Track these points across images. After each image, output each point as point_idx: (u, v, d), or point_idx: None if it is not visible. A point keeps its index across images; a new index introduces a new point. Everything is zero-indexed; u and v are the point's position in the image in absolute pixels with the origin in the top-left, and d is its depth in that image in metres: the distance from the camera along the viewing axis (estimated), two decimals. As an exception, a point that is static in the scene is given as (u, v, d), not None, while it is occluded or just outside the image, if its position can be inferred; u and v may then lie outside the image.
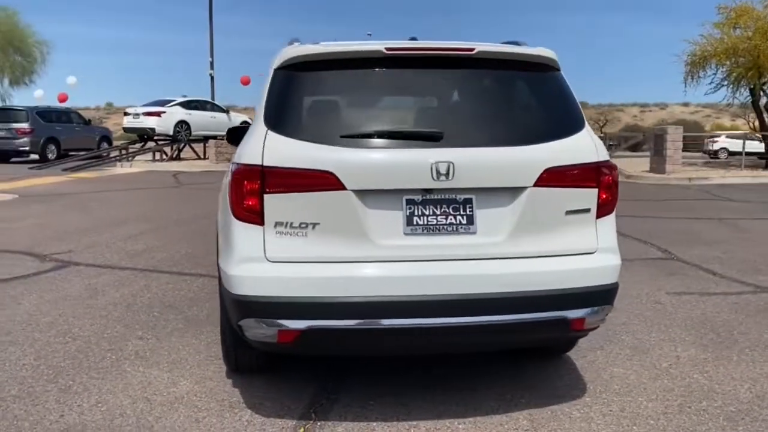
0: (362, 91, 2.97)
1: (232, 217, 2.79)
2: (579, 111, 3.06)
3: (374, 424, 2.97)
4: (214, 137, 22.59)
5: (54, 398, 3.21)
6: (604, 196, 2.96)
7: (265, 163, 2.71)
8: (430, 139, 2.77)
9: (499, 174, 2.80)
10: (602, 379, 3.50)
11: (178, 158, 23.74)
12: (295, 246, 2.72)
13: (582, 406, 3.18)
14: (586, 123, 3.06)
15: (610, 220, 3.02)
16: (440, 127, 2.82)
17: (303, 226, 2.71)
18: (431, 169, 2.69)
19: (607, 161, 2.98)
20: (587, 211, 2.92)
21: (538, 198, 2.84)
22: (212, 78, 29.41)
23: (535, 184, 2.82)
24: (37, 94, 38.76)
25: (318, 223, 2.71)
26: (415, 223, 2.76)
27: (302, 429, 2.92)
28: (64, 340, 4.06)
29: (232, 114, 25.68)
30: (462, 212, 2.79)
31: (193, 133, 23.36)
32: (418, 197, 2.76)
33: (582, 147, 2.93)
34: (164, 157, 22.77)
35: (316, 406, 3.14)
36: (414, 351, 3.27)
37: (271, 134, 2.78)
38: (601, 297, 2.94)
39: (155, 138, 23.24)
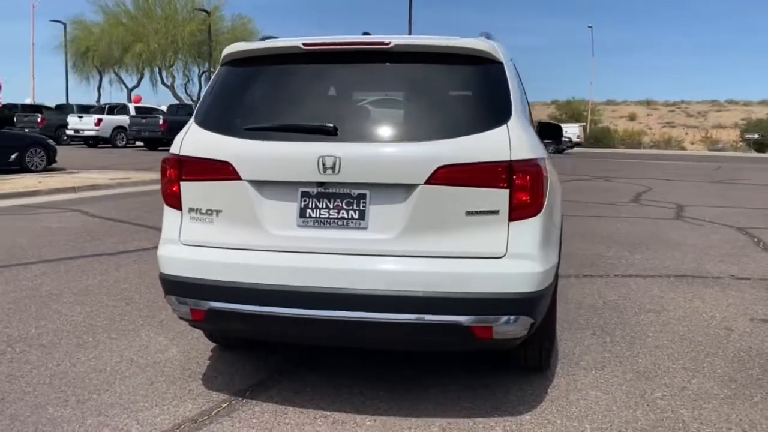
0: (279, 85, 3.06)
1: (164, 202, 3.08)
2: (503, 106, 2.83)
3: (291, 408, 3.06)
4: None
5: (65, 350, 3.79)
6: (521, 198, 2.73)
7: (181, 153, 2.96)
8: (324, 132, 2.79)
9: (389, 170, 2.74)
10: (565, 401, 3.19)
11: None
12: (202, 231, 2.93)
13: (513, 423, 2.95)
14: (513, 119, 2.82)
15: (531, 224, 2.76)
16: (340, 121, 2.82)
17: (209, 212, 2.91)
18: (318, 162, 2.72)
19: (526, 161, 2.73)
20: (495, 212, 2.72)
21: (432, 196, 2.71)
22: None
23: (427, 182, 2.70)
24: None
25: (221, 211, 2.89)
26: (308, 215, 2.80)
27: (227, 404, 3.12)
28: (118, 304, 4.71)
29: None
30: (355, 207, 2.77)
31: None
32: (313, 190, 2.80)
33: (492, 144, 2.72)
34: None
35: (257, 386, 3.32)
36: (310, 341, 3.29)
37: (193, 127, 3.02)
38: (508, 306, 2.71)
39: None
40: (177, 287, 2.95)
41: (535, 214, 2.77)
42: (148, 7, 43.81)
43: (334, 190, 2.79)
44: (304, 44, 2.93)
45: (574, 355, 3.81)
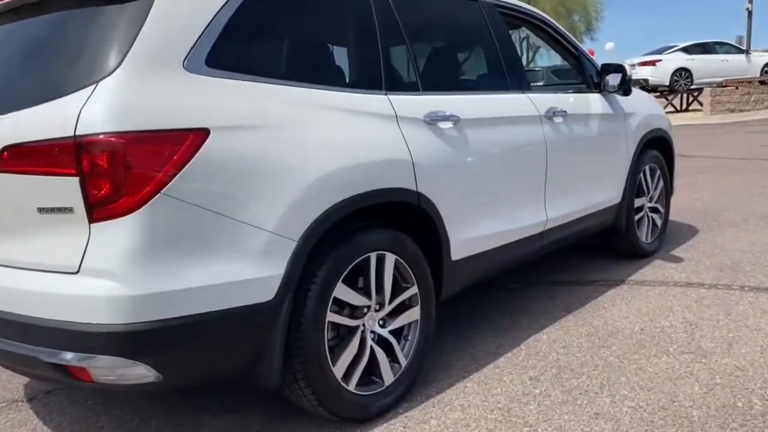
0: None
1: None
2: (107, 56, 2.01)
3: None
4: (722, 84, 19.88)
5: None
6: (98, 189, 1.93)
7: None
8: None
9: None
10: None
11: (686, 110, 21.84)
12: None
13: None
14: (118, 73, 1.98)
15: (119, 226, 1.94)
16: None
17: None
18: None
19: (106, 135, 1.90)
20: (69, 210, 1.98)
21: (3, 187, 2.10)
22: (749, 13, 25.29)
23: None
24: (608, 47, 41.09)
25: None
26: None
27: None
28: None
29: (754, 54, 21.82)
30: None
31: (696, 80, 20.88)
32: None
33: (59, 114, 1.96)
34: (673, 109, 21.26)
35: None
36: None
37: None
38: (85, 340, 1.95)
39: (657, 89, 21.64)
40: None
41: (126, 213, 1.94)
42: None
43: None
44: None
45: (439, 384, 2.91)
